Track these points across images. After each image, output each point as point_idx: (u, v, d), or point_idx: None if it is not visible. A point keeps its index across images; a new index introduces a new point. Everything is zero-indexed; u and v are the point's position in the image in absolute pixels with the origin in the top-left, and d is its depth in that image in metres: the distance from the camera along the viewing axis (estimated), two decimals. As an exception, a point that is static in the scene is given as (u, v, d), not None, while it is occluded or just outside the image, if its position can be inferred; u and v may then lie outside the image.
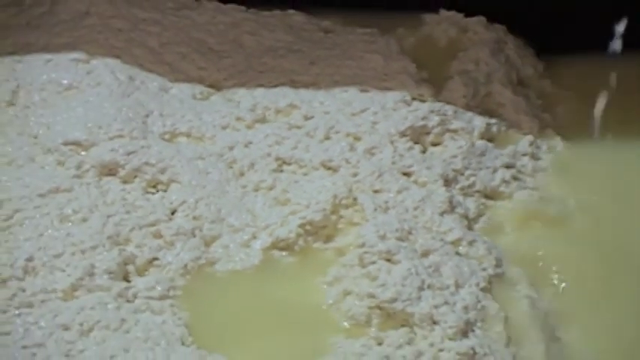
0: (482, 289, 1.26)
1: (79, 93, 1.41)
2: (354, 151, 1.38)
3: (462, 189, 1.38)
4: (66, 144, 1.36)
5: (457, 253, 1.30)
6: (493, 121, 1.47)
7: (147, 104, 1.41)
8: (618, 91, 1.60)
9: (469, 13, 1.60)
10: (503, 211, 1.40)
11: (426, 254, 1.28)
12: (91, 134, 1.37)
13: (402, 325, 1.22)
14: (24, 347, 1.16)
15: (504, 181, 1.41)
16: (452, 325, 1.21)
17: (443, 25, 1.59)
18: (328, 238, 1.32)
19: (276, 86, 1.46)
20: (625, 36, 1.63)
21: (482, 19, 1.59)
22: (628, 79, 1.62)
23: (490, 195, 1.41)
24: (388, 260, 1.26)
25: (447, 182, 1.38)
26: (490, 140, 1.46)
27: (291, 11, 1.56)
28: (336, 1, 1.60)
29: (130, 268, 1.25)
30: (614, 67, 1.62)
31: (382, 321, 1.22)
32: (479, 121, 1.45)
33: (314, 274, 1.28)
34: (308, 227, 1.31)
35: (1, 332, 1.17)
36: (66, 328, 1.17)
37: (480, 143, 1.44)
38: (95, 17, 1.50)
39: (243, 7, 1.55)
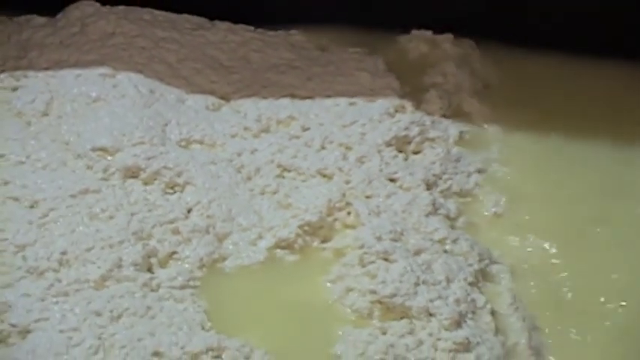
0: (470, 284, 1.29)
1: (105, 104, 1.41)
2: (346, 160, 1.39)
3: (441, 192, 1.39)
4: (94, 150, 1.36)
5: (444, 251, 1.32)
6: (466, 128, 1.48)
7: (165, 114, 1.41)
8: (579, 92, 1.59)
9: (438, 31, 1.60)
10: (477, 211, 1.40)
11: (418, 253, 1.31)
12: (116, 141, 1.37)
13: (402, 317, 1.24)
14: (61, 331, 1.18)
15: (477, 184, 1.42)
16: (447, 317, 1.23)
17: (414, 42, 1.60)
18: (325, 239, 1.33)
19: (277, 99, 1.45)
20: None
21: (449, 36, 1.60)
22: (586, 81, 1.61)
23: (466, 195, 1.41)
24: (386, 260, 1.28)
25: (429, 186, 1.38)
26: (464, 146, 1.46)
27: (293, 31, 1.56)
28: (331, 20, 1.58)
29: (153, 260, 1.28)
30: (576, 70, 1.61)
31: (383, 313, 1.25)
32: (453, 129, 1.47)
33: (316, 273, 1.30)
34: (306, 228, 1.33)
35: (41, 318, 1.20)
36: (98, 314, 1.20)
37: (455, 150, 1.44)
38: (120, 37, 1.49)
39: (251, 27, 1.55)
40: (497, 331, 1.25)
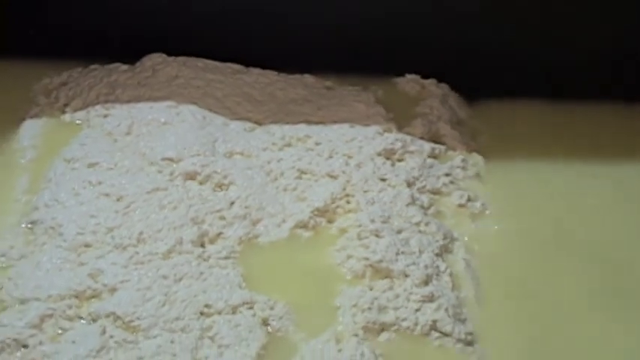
0: (436, 254, 1.29)
1: (171, 127, 1.42)
2: (347, 166, 1.39)
3: (418, 189, 1.38)
4: (163, 159, 1.36)
5: (419, 231, 1.32)
6: (436, 146, 1.47)
7: (215, 134, 1.41)
8: (524, 126, 1.57)
9: (425, 76, 1.58)
10: (444, 203, 1.40)
11: (400, 232, 1.31)
12: (179, 153, 1.37)
13: (385, 277, 1.25)
14: (138, 290, 1.20)
15: (444, 184, 1.41)
16: (418, 278, 1.25)
17: (410, 83, 1.58)
18: (331, 220, 1.33)
19: (296, 123, 1.45)
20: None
21: (434, 80, 1.58)
22: (529, 120, 1.59)
23: (436, 193, 1.40)
24: (376, 236, 1.29)
25: (409, 185, 1.38)
26: (435, 158, 1.46)
27: (307, 75, 1.55)
28: (335, 66, 1.56)
29: (205, 239, 1.28)
30: (524, 110, 1.59)
31: (372, 275, 1.26)
32: (427, 146, 1.46)
33: (325, 245, 1.30)
34: (317, 212, 1.33)
35: (124, 280, 1.21)
36: (165, 277, 1.22)
37: (429, 160, 1.44)
38: (181, 79, 1.50)
39: (276, 72, 1.54)
40: (454, 287, 1.26)
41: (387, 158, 1.42)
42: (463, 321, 1.22)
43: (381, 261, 1.26)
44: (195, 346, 1.15)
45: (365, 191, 1.36)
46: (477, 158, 1.49)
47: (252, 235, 1.30)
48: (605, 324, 1.27)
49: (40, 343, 1.14)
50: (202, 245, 1.28)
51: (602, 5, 1.53)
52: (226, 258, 1.26)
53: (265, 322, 1.19)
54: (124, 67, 1.54)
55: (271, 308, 1.20)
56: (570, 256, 1.36)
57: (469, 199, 1.41)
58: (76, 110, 1.47)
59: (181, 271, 1.23)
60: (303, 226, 1.32)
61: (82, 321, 1.17)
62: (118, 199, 1.32)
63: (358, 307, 1.21)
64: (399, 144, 1.44)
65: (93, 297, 1.20)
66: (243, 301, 1.20)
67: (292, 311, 1.21)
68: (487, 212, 1.41)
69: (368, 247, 1.28)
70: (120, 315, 1.18)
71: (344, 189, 1.36)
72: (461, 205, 1.40)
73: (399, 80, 1.59)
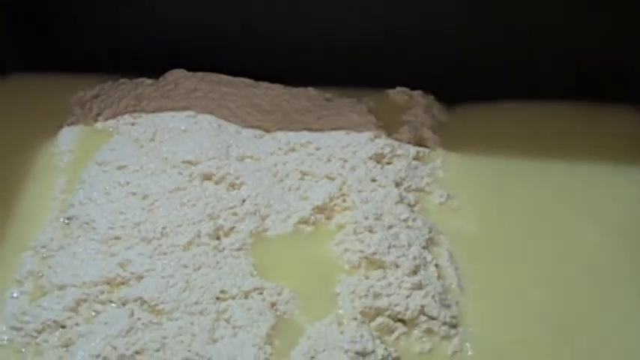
0: (423, 247, 1.28)
1: (190, 134, 1.41)
2: (344, 168, 1.38)
3: (405, 188, 1.38)
4: (183, 162, 1.36)
5: (407, 226, 1.31)
6: (420, 149, 1.46)
7: (228, 140, 1.41)
8: (498, 128, 1.54)
9: (414, 88, 1.57)
10: (428, 201, 1.38)
11: (390, 227, 1.30)
12: (197, 157, 1.36)
13: (379, 268, 1.25)
14: (162, 277, 1.20)
15: (427, 184, 1.40)
16: (407, 268, 1.24)
17: (399, 94, 1.57)
18: (330, 217, 1.33)
19: (300, 131, 1.44)
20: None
21: (419, 92, 1.57)
22: (504, 121, 1.56)
23: (420, 191, 1.39)
24: (370, 231, 1.29)
25: (397, 185, 1.37)
26: (419, 160, 1.44)
27: (310, 88, 1.54)
28: (334, 80, 1.56)
29: (220, 232, 1.28)
30: (496, 115, 1.57)
31: (367, 265, 1.25)
32: (412, 150, 1.45)
33: (325, 239, 1.29)
34: (317, 210, 1.32)
35: (149, 269, 1.21)
36: (185, 266, 1.22)
37: (414, 162, 1.43)
38: (200, 92, 1.49)
39: (282, 85, 1.53)
40: (439, 276, 1.26)
41: (378, 162, 1.41)
42: (448, 306, 1.22)
43: (374, 253, 1.26)
44: (212, 327, 1.15)
45: (359, 191, 1.35)
46: (455, 159, 1.48)
47: (261, 229, 1.30)
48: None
49: (76, 324, 1.16)
50: (218, 238, 1.27)
51: (575, 13, 1.51)
52: (239, 249, 1.26)
53: (274, 306, 1.19)
54: (149, 81, 1.54)
55: (279, 294, 1.21)
56: (543, 248, 1.34)
57: (449, 197, 1.40)
58: (107, 119, 1.48)
59: (199, 261, 1.23)
60: (305, 221, 1.32)
61: (112, 305, 1.18)
62: (143, 198, 1.31)
63: (356, 294, 1.21)
64: (387, 148, 1.43)
65: (122, 284, 1.21)
66: (254, 288, 1.21)
67: (297, 297, 1.21)
68: (466, 208, 1.40)
69: (363, 241, 1.27)
70: (146, 299, 1.18)
71: (340, 189, 1.36)
72: (442, 203, 1.39)
73: (390, 92, 1.58)
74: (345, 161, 1.41)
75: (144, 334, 1.14)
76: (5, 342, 1.14)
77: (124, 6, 1.51)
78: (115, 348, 1.11)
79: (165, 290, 1.19)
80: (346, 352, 1.13)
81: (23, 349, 1.14)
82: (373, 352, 1.13)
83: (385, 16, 1.51)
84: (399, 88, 1.59)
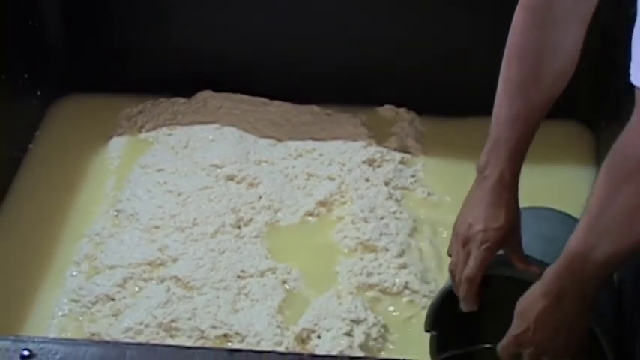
0: (408, 235, 1.27)
1: (216, 143, 1.39)
2: (342, 171, 1.36)
3: (393, 187, 1.35)
4: (210, 166, 1.34)
5: (395, 218, 1.29)
6: (405, 155, 1.43)
7: (247, 148, 1.39)
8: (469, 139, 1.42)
9: (399, 105, 1.53)
10: (412, 197, 1.35)
11: (382, 218, 1.28)
12: (222, 161, 1.35)
13: (372, 251, 1.24)
14: (193, 259, 1.20)
15: (411, 183, 1.38)
16: (395, 251, 1.23)
17: (388, 111, 1.52)
18: (330, 210, 1.31)
19: (305, 140, 1.43)
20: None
21: (404, 109, 1.52)
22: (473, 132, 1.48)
23: (405, 189, 1.37)
24: (365, 221, 1.27)
25: (386, 184, 1.35)
26: (404, 164, 1.41)
27: (314, 105, 1.51)
28: (333, 99, 1.52)
29: (241, 223, 1.27)
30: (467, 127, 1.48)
31: (362, 250, 1.24)
32: (398, 156, 1.42)
33: (327, 228, 1.29)
34: (319, 204, 1.31)
35: (183, 252, 1.21)
36: (212, 250, 1.22)
37: (400, 166, 1.40)
38: (224, 108, 1.47)
39: (291, 103, 1.51)
40: (421, 259, 1.25)
41: (370, 165, 1.40)
42: (428, 282, 1.21)
43: (369, 240, 1.25)
44: (234, 300, 1.16)
45: (355, 189, 1.34)
46: (434, 163, 1.46)
47: (274, 221, 1.29)
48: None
49: (123, 297, 1.17)
50: (239, 227, 1.27)
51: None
52: (256, 237, 1.26)
53: (284, 283, 1.19)
54: (183, 100, 1.53)
55: (288, 273, 1.20)
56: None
57: (429, 194, 1.38)
58: (148, 131, 1.47)
59: (224, 246, 1.23)
60: (311, 214, 1.31)
61: (152, 282, 1.19)
62: (178, 195, 1.31)
63: (352, 272, 1.21)
64: (378, 155, 1.42)
65: (160, 265, 1.21)
66: (268, 268, 1.20)
67: (304, 275, 1.21)
68: (443, 202, 1.37)
69: (359, 229, 1.26)
70: (180, 277, 1.18)
71: (339, 187, 1.35)
72: (423, 199, 1.37)
73: (380, 109, 1.56)
74: (343, 165, 1.39)
75: (178, 305, 1.14)
76: (66, 312, 1.16)
77: (163, 38, 1.51)
78: (154, 317, 1.12)
79: (196, 270, 1.19)
80: (343, 319, 1.12)
81: (80, 318, 1.15)
82: (365, 319, 1.13)
83: (376, 48, 1.51)
84: (387, 106, 1.57)
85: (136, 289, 1.17)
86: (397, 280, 1.20)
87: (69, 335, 1.11)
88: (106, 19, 1.52)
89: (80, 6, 1.50)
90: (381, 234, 1.26)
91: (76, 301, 1.16)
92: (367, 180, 1.37)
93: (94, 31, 1.52)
